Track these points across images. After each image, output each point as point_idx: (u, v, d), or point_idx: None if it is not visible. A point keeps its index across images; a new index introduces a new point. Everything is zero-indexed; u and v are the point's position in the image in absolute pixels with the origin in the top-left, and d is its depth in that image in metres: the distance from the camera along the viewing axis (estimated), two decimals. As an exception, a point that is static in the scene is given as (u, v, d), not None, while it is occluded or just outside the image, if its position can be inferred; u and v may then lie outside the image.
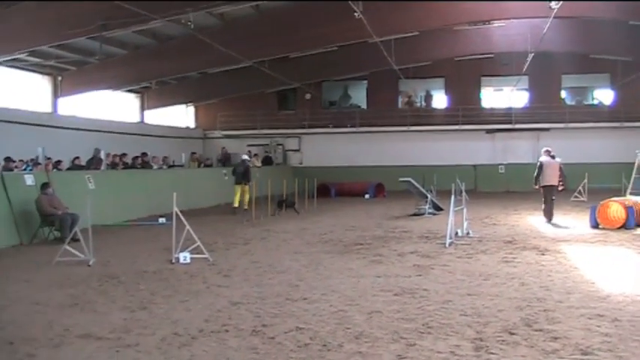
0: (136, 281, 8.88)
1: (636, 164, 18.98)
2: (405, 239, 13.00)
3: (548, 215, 16.00)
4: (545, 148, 17.33)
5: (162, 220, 16.60)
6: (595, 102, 33.52)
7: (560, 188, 16.57)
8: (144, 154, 22.64)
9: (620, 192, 22.29)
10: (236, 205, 19.87)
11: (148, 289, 8.35)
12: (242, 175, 19.97)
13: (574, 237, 12.93)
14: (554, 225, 15.41)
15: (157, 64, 25.07)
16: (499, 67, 32.20)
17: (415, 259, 10.36)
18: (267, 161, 32.85)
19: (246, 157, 21.62)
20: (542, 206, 16.28)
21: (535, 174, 16.27)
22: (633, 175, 19.19)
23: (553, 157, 16.74)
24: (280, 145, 35.36)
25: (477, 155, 32.90)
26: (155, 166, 22.90)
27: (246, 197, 19.92)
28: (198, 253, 10.57)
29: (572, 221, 16.25)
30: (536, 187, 16.42)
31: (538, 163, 16.48)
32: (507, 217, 17.65)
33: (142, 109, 31.47)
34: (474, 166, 32.60)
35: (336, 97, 36.23)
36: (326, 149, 34.31)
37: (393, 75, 31.26)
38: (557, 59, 31.18)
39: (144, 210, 18.65)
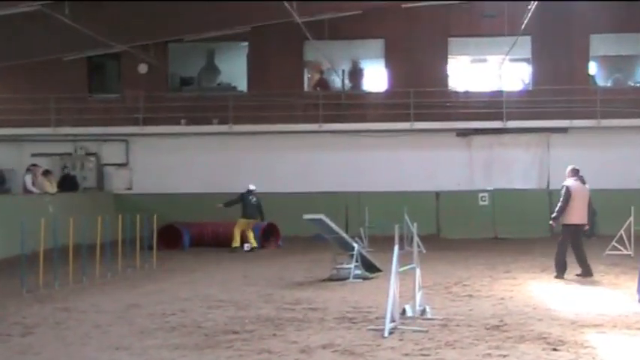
0: None
1: None
2: (313, 323, 12.90)
3: (587, 269, 17.95)
4: (571, 167, 18.07)
5: None
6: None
7: (585, 228, 17.28)
8: None
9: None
10: (237, 244, 26.85)
11: None
12: (257, 207, 27.63)
13: (609, 319, 13.15)
14: (579, 291, 15.71)
15: None
16: (479, 20, 33.20)
17: (331, 360, 10.24)
18: (67, 184, 32.38)
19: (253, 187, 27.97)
20: (556, 256, 17.35)
21: (559, 206, 17.50)
22: None
23: (584, 181, 17.42)
24: (92, 155, 34.97)
25: (441, 175, 33.59)
26: None
27: (251, 234, 27.43)
28: None
29: (607, 291, 16.59)
30: (554, 224, 17.48)
31: (563, 189, 17.51)
32: (493, 284, 17.89)
33: None
34: (437, 193, 33.27)
35: (194, 70, 36.22)
36: (175, 164, 34.19)
37: (294, 34, 31.45)
38: (582, 8, 32.52)
39: None
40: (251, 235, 27.50)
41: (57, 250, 19.01)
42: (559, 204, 18.32)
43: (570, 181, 18.23)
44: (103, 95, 35.20)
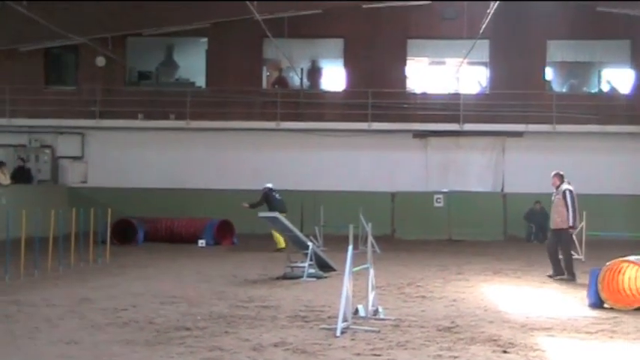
0: None
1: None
2: (265, 321, 12.89)
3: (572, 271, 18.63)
4: (558, 172, 19.44)
5: None
6: (603, 89, 35.58)
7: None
8: None
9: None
10: (282, 245, 25.12)
11: None
12: (283, 200, 26.46)
13: (559, 323, 13.26)
14: (526, 303, 15.85)
15: None
16: (439, 23, 33.35)
17: (282, 358, 10.26)
18: (21, 176, 32.13)
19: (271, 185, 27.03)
20: (566, 261, 18.72)
21: (572, 210, 18.79)
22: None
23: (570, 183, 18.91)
24: (47, 147, 34.70)
25: (397, 176, 33.74)
26: None
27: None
28: None
29: (558, 295, 16.74)
30: (573, 230, 19.12)
31: (567, 193, 18.81)
32: (446, 286, 17.98)
33: None
34: (392, 194, 33.38)
35: (152, 65, 36.09)
36: (131, 158, 34.10)
37: (254, 31, 31.48)
38: (540, 13, 32.92)
39: None
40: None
41: (9, 242, 18.87)
42: (571, 209, 18.82)
43: (569, 185, 18.82)
44: (60, 87, 34.94)
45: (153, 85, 35.26)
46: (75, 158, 34.77)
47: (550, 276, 19.10)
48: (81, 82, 34.71)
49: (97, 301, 14.75)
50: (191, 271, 20.30)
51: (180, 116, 33.52)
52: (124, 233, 27.58)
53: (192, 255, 24.69)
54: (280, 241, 25.37)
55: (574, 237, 21.91)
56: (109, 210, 22.88)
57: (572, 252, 22.21)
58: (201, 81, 35.41)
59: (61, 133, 34.56)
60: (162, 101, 33.69)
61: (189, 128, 33.67)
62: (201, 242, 27.44)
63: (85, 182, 34.37)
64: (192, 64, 35.75)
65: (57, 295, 15.54)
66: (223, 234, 28.61)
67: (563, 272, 18.97)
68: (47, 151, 34.61)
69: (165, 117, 33.67)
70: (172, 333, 11.80)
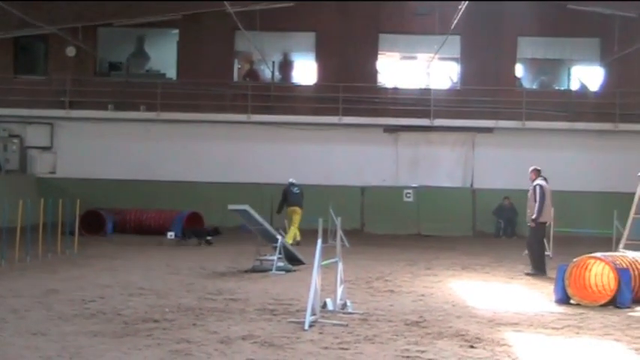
0: None
1: (637, 196, 20.01)
2: (234, 314, 12.92)
3: (544, 267, 18.64)
4: (535, 167, 19.35)
5: None
6: (573, 86, 35.81)
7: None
8: None
9: (608, 242, 23.52)
10: (298, 238, 26.03)
11: None
12: (299, 196, 26.62)
13: (526, 318, 13.36)
14: (492, 298, 15.93)
15: None
16: (411, 18, 33.40)
17: (250, 351, 10.27)
18: (-11, 166, 31.79)
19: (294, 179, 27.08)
20: (535, 255, 18.64)
21: (538, 206, 18.55)
22: (632, 215, 20.08)
23: (546, 179, 18.87)
24: (16, 137, 34.53)
25: (366, 170, 33.75)
26: None
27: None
28: None
29: (525, 291, 16.85)
30: (534, 224, 18.68)
31: (537, 189, 18.63)
32: (415, 280, 18.05)
33: None
34: (362, 188, 33.41)
35: (123, 56, 35.93)
36: (101, 149, 33.92)
37: (226, 23, 31.46)
38: (511, 10, 33.02)
39: None
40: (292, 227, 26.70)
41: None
42: (537, 204, 18.80)
43: (542, 181, 18.85)
44: (29, 77, 34.64)
45: (123, 76, 35.03)
46: (44, 148, 34.55)
47: (528, 273, 19.11)
48: (51, 72, 34.48)
49: (64, 293, 14.71)
50: (160, 263, 20.26)
51: (150, 108, 33.37)
52: (92, 224, 27.46)
53: (161, 247, 24.64)
54: (290, 235, 25.45)
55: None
56: (78, 201, 22.81)
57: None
58: (172, 72, 35.29)
59: (30, 123, 34.32)
60: (133, 92, 33.57)
61: (160, 120, 33.54)
62: (171, 234, 27.34)
63: (53, 173, 34.15)
64: (163, 56, 35.64)
65: (24, 285, 15.48)
66: (193, 226, 28.52)
67: (545, 270, 19.03)
68: (16, 140, 34.36)
69: (136, 108, 33.52)
70: (140, 325, 11.78)
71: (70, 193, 25.57)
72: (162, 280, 16.94)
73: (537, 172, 19.42)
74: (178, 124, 33.68)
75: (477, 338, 11.43)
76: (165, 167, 33.48)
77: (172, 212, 28.83)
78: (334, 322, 12.24)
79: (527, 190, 19.40)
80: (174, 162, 33.58)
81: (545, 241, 20.09)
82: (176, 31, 34.83)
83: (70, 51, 33.94)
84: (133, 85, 34.04)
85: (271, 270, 18.49)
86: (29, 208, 19.88)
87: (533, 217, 18.87)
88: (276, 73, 35.75)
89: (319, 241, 12.60)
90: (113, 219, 28.41)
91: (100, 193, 31.68)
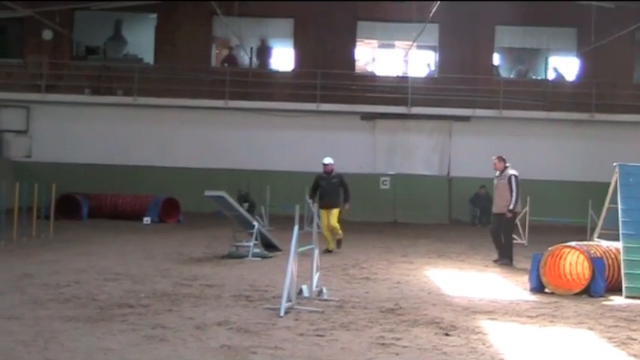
0: None
1: (612, 186, 20.07)
2: (209, 299, 12.91)
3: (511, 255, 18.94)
4: (500, 156, 19.62)
5: None
6: (549, 76, 35.95)
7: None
8: None
9: (583, 231, 23.66)
10: (331, 247, 20.80)
11: None
12: (337, 188, 21.40)
13: (501, 307, 13.42)
14: (466, 285, 15.98)
15: None
16: (389, 5, 33.40)
17: (225, 337, 10.26)
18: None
19: (330, 160, 21.99)
20: (506, 243, 18.90)
21: (515, 195, 18.85)
22: (607, 204, 20.17)
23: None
24: (-9, 121, 34.15)
25: (343, 157, 33.59)
26: None
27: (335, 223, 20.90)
28: None
29: (500, 279, 16.91)
30: (510, 214, 18.96)
31: (513, 178, 18.96)
32: (390, 268, 18.10)
33: None
34: (339, 175, 33.37)
35: (100, 40, 35.75)
36: (77, 133, 33.80)
37: (204, 8, 31.40)
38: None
39: None
40: (331, 233, 21.37)
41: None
42: (514, 194, 18.88)
43: (514, 171, 19.10)
44: (4, 60, 34.45)
45: (100, 60, 34.95)
46: (19, 132, 34.36)
47: (495, 261, 19.20)
48: (27, 55, 34.29)
49: (39, 277, 14.65)
50: (135, 248, 20.24)
51: (127, 92, 33.33)
52: (68, 209, 27.37)
53: (137, 232, 24.61)
54: (330, 241, 21.02)
55: (517, 222, 22.13)
56: (54, 185, 22.71)
57: (515, 237, 22.47)
58: (149, 57, 35.21)
59: (6, 106, 34.13)
60: (110, 77, 33.55)
61: (137, 104, 33.45)
62: (146, 219, 27.32)
63: (29, 157, 33.99)
64: (141, 40, 35.50)
65: (-2, 269, 15.40)
66: (168, 212, 28.52)
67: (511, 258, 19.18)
68: (-10, 125, 34.21)
69: (113, 93, 33.50)
70: (115, 310, 11.75)
71: (45, 178, 25.41)
72: (138, 265, 16.90)
73: (504, 161, 19.47)
74: (155, 109, 33.58)
75: (452, 326, 11.45)
76: (142, 152, 33.39)
77: (148, 197, 28.82)
78: (310, 308, 12.24)
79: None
80: (151, 147, 33.50)
81: (510, 230, 20.20)
82: (154, 15, 34.70)
83: (47, 34, 33.79)
84: (109, 69, 33.98)
85: (247, 256, 18.50)
86: (4, 191, 19.81)
87: (511, 207, 18.90)
88: (254, 59, 35.67)
89: (296, 228, 12.56)
90: (89, 203, 28.30)
91: (76, 177, 31.54)
